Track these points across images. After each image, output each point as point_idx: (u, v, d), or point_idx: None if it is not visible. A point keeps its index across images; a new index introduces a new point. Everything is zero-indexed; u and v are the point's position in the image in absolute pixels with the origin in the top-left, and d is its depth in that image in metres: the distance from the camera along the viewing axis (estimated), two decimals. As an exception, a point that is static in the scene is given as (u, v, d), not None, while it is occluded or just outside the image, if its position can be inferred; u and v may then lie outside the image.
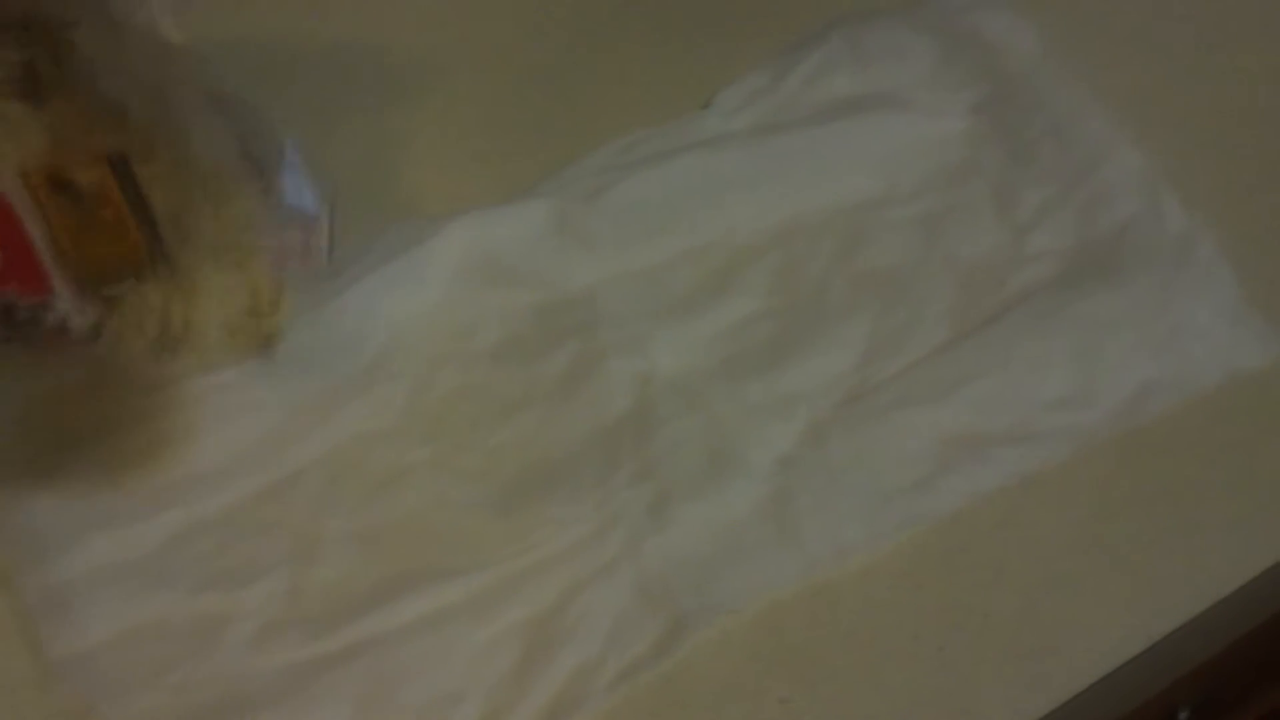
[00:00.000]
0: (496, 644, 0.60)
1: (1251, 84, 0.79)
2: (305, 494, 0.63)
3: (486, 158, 0.74)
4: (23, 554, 0.61)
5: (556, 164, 0.74)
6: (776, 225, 0.72)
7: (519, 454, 0.65)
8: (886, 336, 0.69)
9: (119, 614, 0.60)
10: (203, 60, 0.56)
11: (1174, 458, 0.65)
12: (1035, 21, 0.79)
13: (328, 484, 0.64)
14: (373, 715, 0.58)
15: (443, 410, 0.66)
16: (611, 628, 0.60)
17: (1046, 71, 0.77)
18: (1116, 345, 0.68)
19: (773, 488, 0.64)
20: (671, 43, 0.80)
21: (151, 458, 0.64)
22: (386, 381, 0.66)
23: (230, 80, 0.59)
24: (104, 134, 0.51)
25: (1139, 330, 0.68)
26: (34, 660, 0.58)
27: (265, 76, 0.75)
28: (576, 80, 0.78)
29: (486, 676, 0.59)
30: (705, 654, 0.60)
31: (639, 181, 0.72)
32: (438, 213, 0.70)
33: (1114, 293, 0.69)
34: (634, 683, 0.59)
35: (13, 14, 0.50)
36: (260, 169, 0.59)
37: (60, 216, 0.51)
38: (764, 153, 0.74)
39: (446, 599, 0.61)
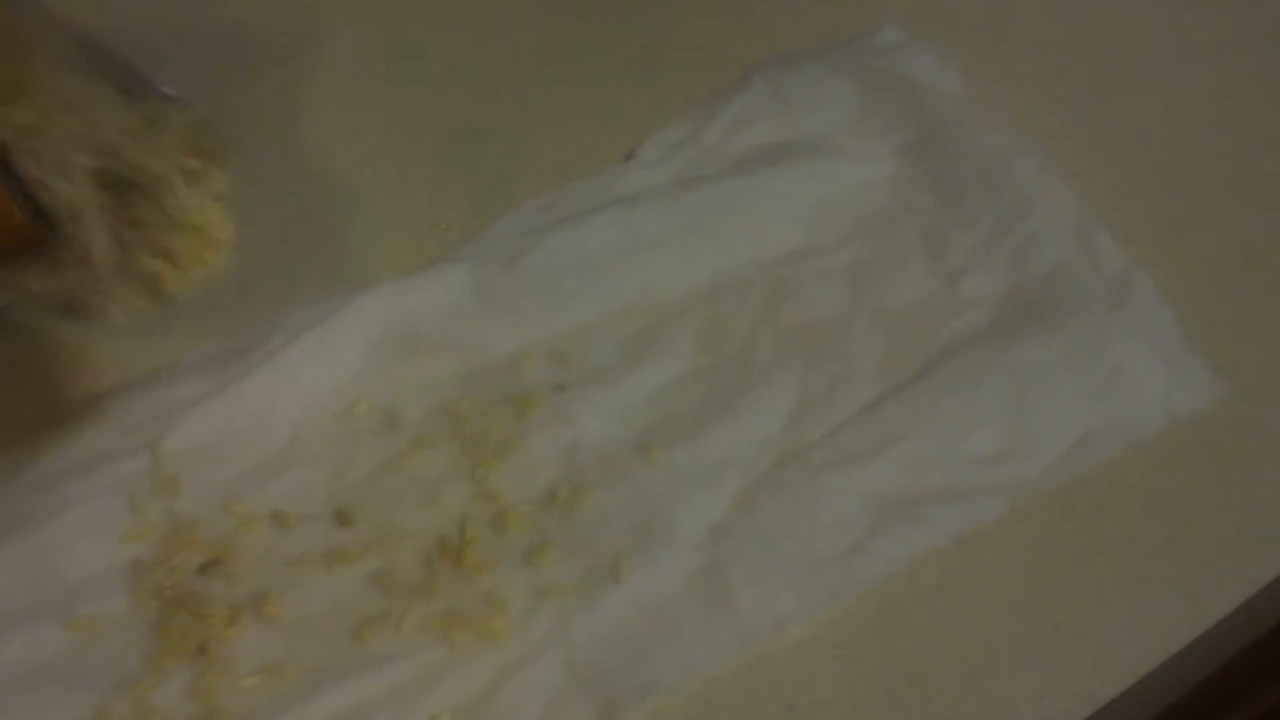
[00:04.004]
0: (423, 736, 0.58)
1: (1183, 118, 0.78)
2: (217, 586, 0.61)
3: (400, 223, 0.72)
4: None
5: (475, 225, 0.72)
6: (700, 282, 0.71)
7: (442, 534, 0.63)
8: (816, 394, 0.67)
9: (33, 720, 0.57)
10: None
11: (1114, 510, 0.64)
12: (958, 63, 0.77)
13: (242, 574, 0.61)
14: (295, 818, 0.56)
15: (363, 491, 0.64)
16: (543, 713, 0.58)
17: (972, 113, 0.75)
18: (1052, 394, 0.66)
19: (704, 559, 0.62)
20: (591, 93, 0.79)
21: (58, 554, 0.61)
22: (302, 464, 0.64)
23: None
24: None
25: (1075, 377, 0.66)
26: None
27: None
28: (492, 136, 0.77)
29: (414, 771, 0.57)
30: (639, 736, 0.58)
31: (558, 243, 0.71)
32: (350, 283, 0.68)
33: (1049, 339, 0.67)
34: (566, 771, 0.57)
35: None
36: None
37: None
38: (685, 208, 0.72)
39: (370, 691, 0.59)
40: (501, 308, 0.69)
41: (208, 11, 0.80)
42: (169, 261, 0.63)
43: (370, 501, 0.63)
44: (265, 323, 0.67)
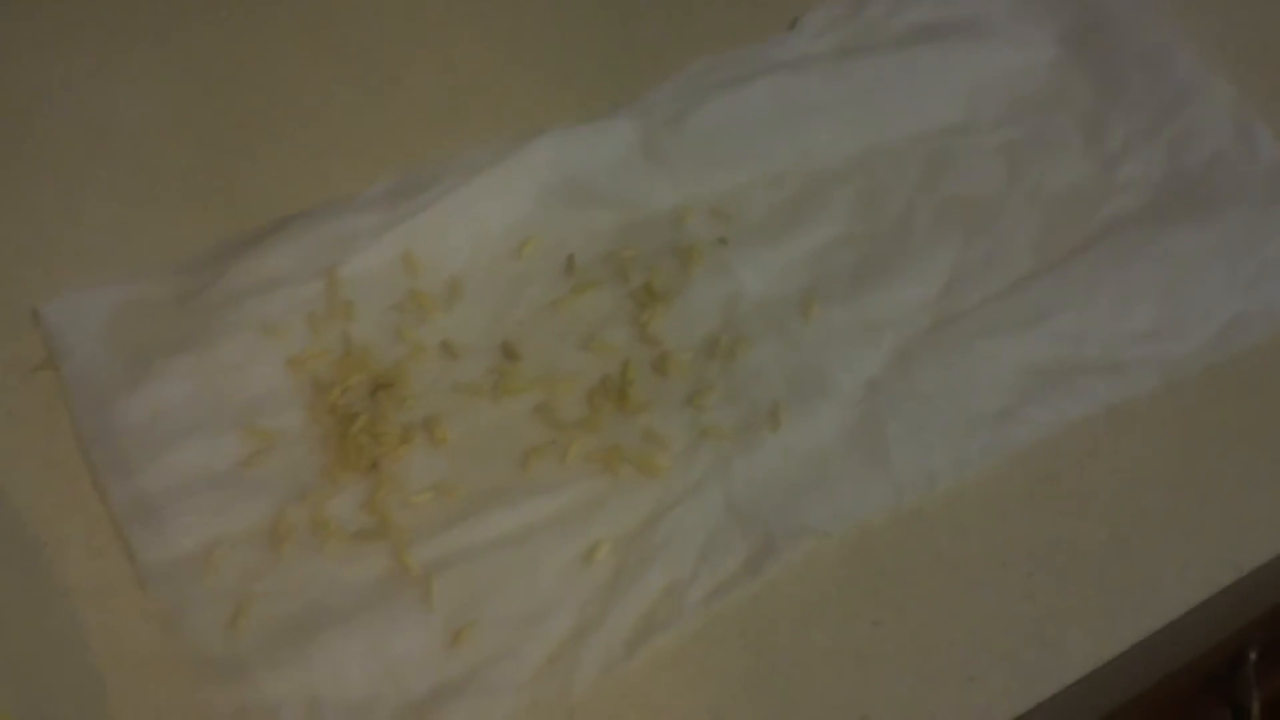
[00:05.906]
0: (585, 560, 0.60)
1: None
2: (389, 408, 0.63)
3: (567, 80, 0.74)
4: (113, 461, 0.60)
5: (638, 86, 0.73)
6: (857, 151, 0.72)
7: (604, 373, 0.65)
8: (971, 265, 0.68)
9: (208, 523, 0.60)
10: None
11: (1262, 393, 0.65)
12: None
13: (412, 399, 0.63)
14: (460, 628, 0.58)
15: (529, 328, 0.66)
16: (702, 545, 0.60)
17: (1135, 5, 0.76)
18: (1205, 278, 0.67)
19: (860, 413, 0.64)
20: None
21: (237, 369, 0.63)
22: (471, 299, 0.66)
23: None
24: None
25: (1229, 264, 0.68)
26: (133, 563, 0.58)
27: None
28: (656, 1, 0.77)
29: (576, 592, 0.59)
30: (795, 575, 0.60)
31: (721, 104, 0.72)
32: (518, 134, 0.70)
33: (1203, 226, 0.69)
34: (724, 601, 0.59)
35: None
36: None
37: None
38: (846, 77, 0.74)
39: (535, 515, 0.61)
40: (665, 163, 0.70)
41: None
42: None
43: (535, 339, 0.65)
44: (440, 161, 0.68)
